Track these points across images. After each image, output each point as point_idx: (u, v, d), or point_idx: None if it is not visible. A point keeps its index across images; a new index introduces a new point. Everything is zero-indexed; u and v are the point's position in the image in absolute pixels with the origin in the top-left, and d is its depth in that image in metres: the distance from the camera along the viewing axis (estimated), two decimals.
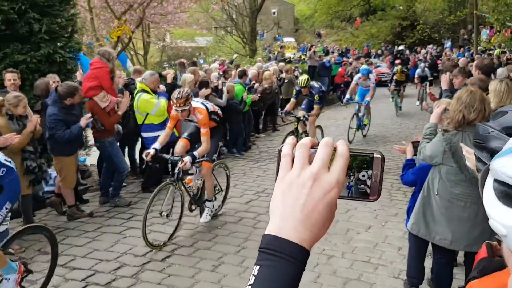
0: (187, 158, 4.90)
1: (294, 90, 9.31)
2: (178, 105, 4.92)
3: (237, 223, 5.69)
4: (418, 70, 15.55)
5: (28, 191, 5.19)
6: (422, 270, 3.85)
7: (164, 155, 5.21)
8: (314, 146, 0.73)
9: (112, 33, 12.60)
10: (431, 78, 14.94)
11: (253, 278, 0.65)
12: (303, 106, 9.12)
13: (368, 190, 0.73)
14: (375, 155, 0.73)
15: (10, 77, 5.67)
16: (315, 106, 8.57)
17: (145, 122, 6.78)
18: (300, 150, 0.72)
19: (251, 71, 10.78)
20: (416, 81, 15.65)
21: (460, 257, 4.17)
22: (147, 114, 6.71)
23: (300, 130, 8.52)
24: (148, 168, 7.12)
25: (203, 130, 5.16)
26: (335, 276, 4.32)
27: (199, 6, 20.73)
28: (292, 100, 8.95)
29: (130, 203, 6.37)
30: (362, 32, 34.86)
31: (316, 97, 8.41)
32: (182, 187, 5.26)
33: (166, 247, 4.97)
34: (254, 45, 22.78)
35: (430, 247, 3.80)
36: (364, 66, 11.40)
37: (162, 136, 5.39)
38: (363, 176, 0.73)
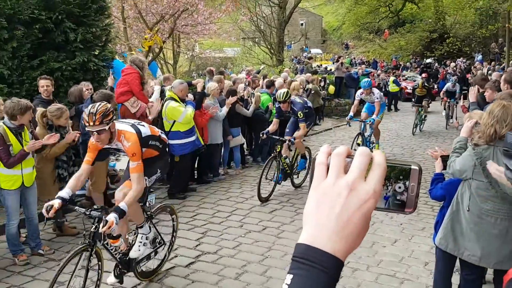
0: (112, 218, 3.52)
1: (274, 108, 8.43)
2: (91, 123, 3.61)
3: (261, 232, 5.70)
4: (448, 84, 14.65)
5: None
6: (449, 286, 3.77)
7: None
8: (350, 155, 0.71)
9: (144, 43, 12.91)
10: (464, 92, 14.00)
11: (286, 287, 0.64)
12: (287, 130, 7.60)
13: (404, 202, 0.72)
14: (412, 167, 0.71)
15: (44, 84, 5.88)
16: (301, 125, 7.13)
17: (171, 130, 6.91)
18: (335, 159, 0.70)
19: (278, 81, 10.83)
20: (441, 95, 14.60)
21: (489, 275, 4.07)
22: (174, 121, 6.84)
23: (284, 154, 7.24)
24: (175, 174, 7.24)
25: (132, 165, 3.84)
26: None
27: (228, 17, 21.03)
28: (275, 120, 7.52)
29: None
30: (390, 44, 34.55)
31: (300, 114, 6.99)
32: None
33: (190, 253, 5.02)
34: (281, 55, 22.88)
35: (458, 263, 3.72)
36: (365, 79, 10.07)
37: (73, 179, 3.94)
38: (399, 187, 0.72)
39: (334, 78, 17.57)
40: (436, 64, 27.54)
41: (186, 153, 7.04)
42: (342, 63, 18.05)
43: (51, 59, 6.91)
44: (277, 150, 7.06)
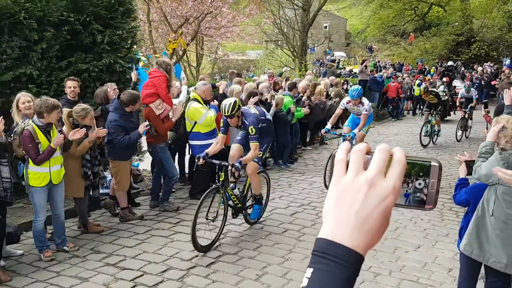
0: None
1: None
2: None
3: (281, 235, 5.69)
4: (462, 91, 13.18)
5: (82, 195, 5.48)
6: None
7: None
8: (369, 152, 0.72)
9: (168, 46, 13.08)
10: (485, 100, 12.92)
11: (307, 280, 0.65)
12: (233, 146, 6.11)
13: (424, 199, 0.72)
14: (432, 163, 0.72)
15: (71, 85, 6.02)
16: (251, 145, 5.36)
17: (192, 130, 6.98)
18: (355, 156, 0.71)
19: (301, 84, 10.81)
20: (457, 103, 13.31)
21: None
22: (195, 122, 6.91)
23: (232, 181, 5.65)
24: (196, 175, 7.30)
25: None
26: None
27: (251, 20, 21.12)
28: (220, 135, 5.69)
29: (178, 208, 6.54)
30: (415, 47, 34.03)
31: (251, 129, 5.31)
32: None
33: (211, 253, 5.06)
34: (304, 58, 22.82)
35: (482, 270, 3.64)
36: (356, 86, 8.09)
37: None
38: (420, 184, 0.72)
39: (357, 81, 17.41)
40: (463, 68, 26.93)
41: None
42: (366, 66, 17.87)
43: (78, 60, 7.06)
44: (221, 179, 5.20)
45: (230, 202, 5.51)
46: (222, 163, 5.27)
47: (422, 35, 34.06)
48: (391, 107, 17.38)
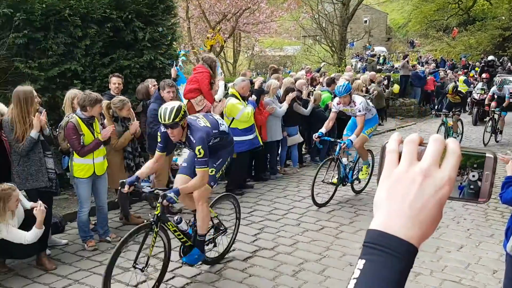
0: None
1: (159, 136, 5.34)
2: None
3: (319, 232, 5.64)
4: (494, 88, 11.93)
5: None
6: None
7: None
8: (422, 143, 0.70)
9: (206, 42, 13.22)
10: None
11: (358, 271, 0.64)
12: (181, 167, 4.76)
13: (478, 192, 0.70)
14: (487, 155, 0.70)
15: (116, 81, 6.18)
16: (199, 172, 4.02)
17: (230, 126, 7.01)
18: (408, 146, 0.69)
19: (341, 80, 10.65)
20: (486, 101, 12.09)
21: None
22: (233, 118, 6.94)
23: (176, 211, 5.34)
24: (233, 170, 7.35)
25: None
26: None
27: (289, 15, 21.00)
28: (157, 153, 4.24)
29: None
30: (459, 42, 32.86)
31: (198, 150, 3.95)
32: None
33: (248, 248, 5.07)
34: (343, 53, 22.48)
35: None
36: (343, 81, 7.42)
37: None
38: (473, 176, 0.70)
39: (399, 77, 16.99)
40: (510, 64, 25.71)
41: (244, 151, 7.11)
42: (408, 61, 17.41)
43: (121, 57, 7.25)
44: (155, 212, 4.06)
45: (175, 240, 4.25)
46: (155, 191, 3.97)
47: (466, 30, 32.86)
48: (432, 104, 16.88)
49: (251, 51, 22.84)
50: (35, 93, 4.71)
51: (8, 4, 6.29)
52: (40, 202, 4.28)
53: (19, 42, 6.34)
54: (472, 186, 0.71)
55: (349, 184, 7.08)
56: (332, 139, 7.08)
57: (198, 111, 6.47)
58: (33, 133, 4.50)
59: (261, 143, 7.36)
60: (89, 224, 5.24)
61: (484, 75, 14.88)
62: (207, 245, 4.50)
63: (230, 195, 5.03)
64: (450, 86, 10.97)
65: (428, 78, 16.71)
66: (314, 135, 6.70)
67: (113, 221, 5.82)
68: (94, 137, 4.90)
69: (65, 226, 5.53)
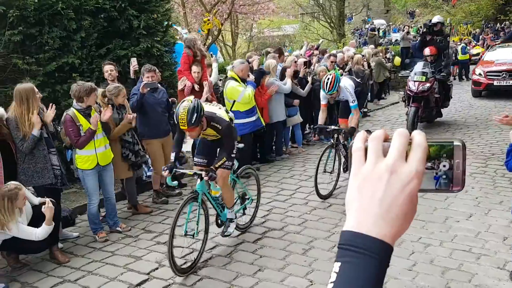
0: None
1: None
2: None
3: (326, 209, 5.65)
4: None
5: (129, 174, 5.66)
6: None
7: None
8: (387, 139, 0.69)
9: (203, 26, 13.09)
10: None
11: (335, 275, 0.64)
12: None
13: (451, 180, 0.69)
14: (455, 143, 0.69)
15: (108, 69, 6.10)
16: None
17: (232, 109, 6.98)
18: (373, 143, 0.69)
19: (339, 55, 10.55)
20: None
21: None
22: (234, 101, 6.91)
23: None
24: (239, 154, 7.35)
25: None
26: (433, 265, 4.12)
27: None
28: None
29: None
30: (459, 9, 32.27)
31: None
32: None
33: (257, 229, 5.10)
34: (342, 29, 22.19)
35: None
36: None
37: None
38: (444, 166, 0.69)
39: (400, 49, 16.77)
40: None
41: (246, 133, 7.09)
42: (408, 32, 17.15)
43: (117, 47, 7.19)
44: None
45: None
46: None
47: None
48: None
49: (250, 32, 22.61)
50: (36, 90, 4.70)
51: (0, 2, 6.23)
52: (48, 199, 4.31)
53: (15, 39, 6.30)
54: (444, 176, 0.70)
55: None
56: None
57: (181, 90, 6.65)
58: (35, 132, 4.52)
59: (263, 124, 7.34)
60: (99, 216, 5.27)
61: (427, 50, 9.65)
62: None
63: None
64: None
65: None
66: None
67: (122, 212, 5.87)
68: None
69: (75, 219, 5.57)
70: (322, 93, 6.25)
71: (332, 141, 6.07)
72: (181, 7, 14.22)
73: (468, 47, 18.79)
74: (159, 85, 6.19)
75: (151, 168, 6.57)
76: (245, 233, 5.04)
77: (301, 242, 4.71)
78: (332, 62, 9.52)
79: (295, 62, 8.75)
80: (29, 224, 4.30)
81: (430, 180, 0.69)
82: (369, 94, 12.27)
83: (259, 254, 4.53)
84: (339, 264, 0.64)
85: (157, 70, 6.26)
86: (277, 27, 26.94)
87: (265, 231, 5.07)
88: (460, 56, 17.14)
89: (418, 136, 0.68)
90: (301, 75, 8.71)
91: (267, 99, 7.53)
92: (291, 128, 8.59)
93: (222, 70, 11.17)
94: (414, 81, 9.01)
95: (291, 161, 8.03)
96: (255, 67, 7.37)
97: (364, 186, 0.67)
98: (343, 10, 22.59)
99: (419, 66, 9.39)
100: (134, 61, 6.47)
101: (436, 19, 10.64)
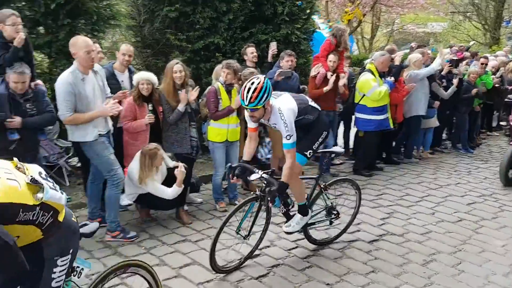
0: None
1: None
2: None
3: (455, 224, 5.17)
4: None
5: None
6: None
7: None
8: None
9: (344, 16, 12.83)
10: None
11: None
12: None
13: None
14: None
15: (252, 50, 6.23)
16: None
17: (359, 102, 6.73)
18: None
19: (491, 59, 9.52)
20: None
21: None
22: (364, 95, 6.65)
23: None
24: (362, 150, 7.09)
25: None
26: None
27: None
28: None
29: None
30: None
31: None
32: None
33: (375, 231, 4.88)
34: (497, 33, 19.96)
35: None
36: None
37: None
38: None
39: None
40: None
41: (371, 130, 6.78)
42: None
43: (259, 31, 7.42)
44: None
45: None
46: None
47: None
48: None
49: (391, 26, 21.54)
50: (181, 68, 5.03)
51: None
52: (181, 164, 4.73)
53: (172, 15, 6.86)
54: None
55: None
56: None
57: (314, 76, 6.48)
58: (181, 107, 5.02)
59: (392, 126, 6.89)
60: (222, 187, 5.57)
61: None
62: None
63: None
64: None
65: None
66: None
67: (240, 187, 6.08)
68: (231, 103, 5.23)
69: (200, 186, 5.95)
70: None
71: (258, 193, 3.95)
72: None
73: None
74: (293, 73, 6.24)
75: (271, 150, 6.67)
76: (360, 231, 4.85)
77: (422, 253, 4.39)
78: (482, 64, 8.62)
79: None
80: (162, 184, 4.72)
81: None
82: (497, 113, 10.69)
83: (374, 255, 4.33)
84: None
85: (295, 56, 6.32)
86: (422, 23, 25.21)
87: (382, 234, 4.82)
88: None
89: None
90: (444, 72, 7.97)
91: (403, 96, 7.01)
92: (422, 131, 7.92)
93: (357, 63, 10.87)
94: None
95: (420, 166, 7.51)
96: (396, 63, 6.88)
97: None
98: (501, 12, 20.31)
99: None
100: (273, 45, 6.56)
101: None
